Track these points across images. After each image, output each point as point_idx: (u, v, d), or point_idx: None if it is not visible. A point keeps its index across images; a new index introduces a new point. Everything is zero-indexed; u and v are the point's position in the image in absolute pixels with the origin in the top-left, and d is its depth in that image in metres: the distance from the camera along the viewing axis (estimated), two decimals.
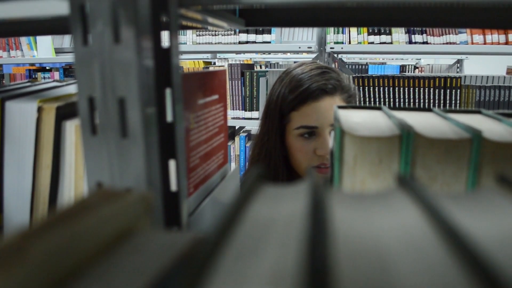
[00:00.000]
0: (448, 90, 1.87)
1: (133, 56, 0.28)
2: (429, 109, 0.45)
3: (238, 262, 0.11)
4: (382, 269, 0.10)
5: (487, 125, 0.39)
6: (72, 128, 0.47)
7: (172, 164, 0.34)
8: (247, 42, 2.39)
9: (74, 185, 0.48)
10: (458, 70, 3.38)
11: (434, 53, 2.54)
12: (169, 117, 0.32)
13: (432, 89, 1.88)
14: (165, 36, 0.31)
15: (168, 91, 0.32)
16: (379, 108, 0.46)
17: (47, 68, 3.17)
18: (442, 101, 1.88)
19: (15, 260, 0.10)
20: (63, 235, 0.12)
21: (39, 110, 0.47)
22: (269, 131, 0.87)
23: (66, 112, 0.47)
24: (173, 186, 0.34)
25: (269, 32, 2.34)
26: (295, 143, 0.84)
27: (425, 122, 0.39)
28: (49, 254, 0.11)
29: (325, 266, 0.09)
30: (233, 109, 2.23)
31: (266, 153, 0.87)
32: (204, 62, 3.59)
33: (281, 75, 0.89)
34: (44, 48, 2.85)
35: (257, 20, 0.51)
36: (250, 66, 2.47)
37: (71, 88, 0.58)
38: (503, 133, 0.36)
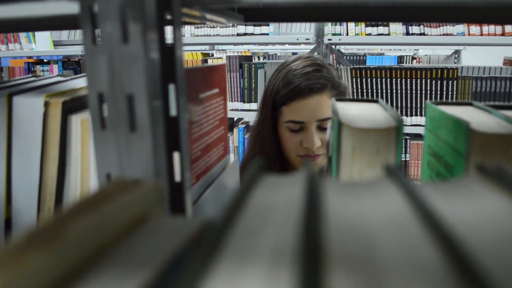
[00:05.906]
0: (445, 81, 1.89)
1: (141, 53, 0.29)
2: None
3: (244, 240, 0.13)
4: (366, 244, 0.12)
5: (477, 117, 0.40)
6: (78, 122, 0.48)
7: (176, 156, 0.35)
8: (245, 34, 2.40)
9: (80, 177, 0.50)
10: (456, 61, 3.39)
11: (431, 44, 2.55)
12: (173, 111, 0.34)
13: (429, 80, 1.90)
14: (167, 30, 0.33)
15: (171, 86, 0.33)
16: (375, 101, 0.47)
17: (45, 61, 3.15)
18: (439, 92, 1.90)
19: (55, 237, 0.12)
20: (91, 218, 0.14)
21: (46, 104, 0.48)
22: (263, 121, 0.95)
23: (71, 106, 0.49)
24: (177, 177, 0.36)
25: (267, 24, 2.34)
26: (284, 134, 0.93)
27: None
28: (81, 234, 0.13)
29: (318, 241, 0.11)
30: (232, 101, 2.24)
31: (261, 141, 0.96)
32: (202, 54, 3.57)
33: (279, 67, 0.96)
34: (43, 41, 2.85)
35: (256, 16, 0.53)
36: (248, 58, 2.48)
37: (75, 83, 0.59)
38: (491, 125, 0.37)
